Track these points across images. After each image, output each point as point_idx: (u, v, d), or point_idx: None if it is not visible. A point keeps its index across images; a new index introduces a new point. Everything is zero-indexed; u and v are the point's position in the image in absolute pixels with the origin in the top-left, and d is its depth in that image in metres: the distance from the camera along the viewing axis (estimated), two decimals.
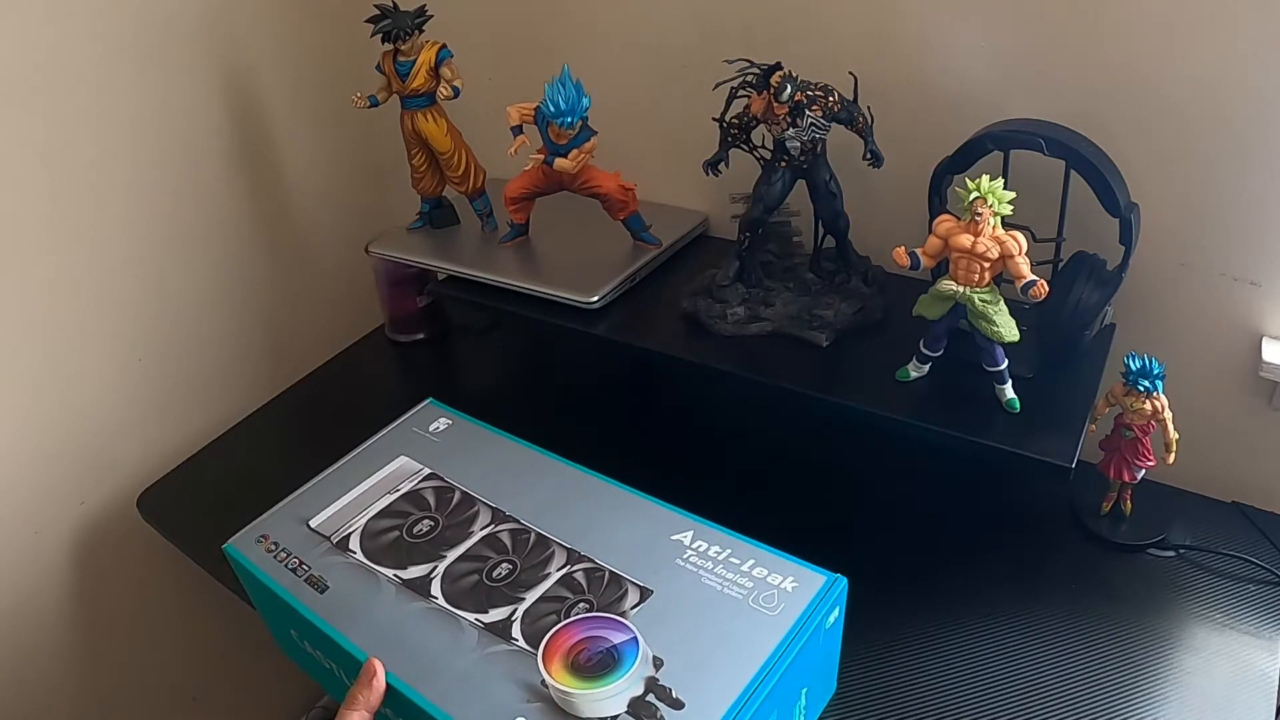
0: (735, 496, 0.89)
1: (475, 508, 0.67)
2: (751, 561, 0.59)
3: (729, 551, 0.60)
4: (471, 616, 0.58)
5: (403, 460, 0.72)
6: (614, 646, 0.54)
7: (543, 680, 0.53)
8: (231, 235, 1.11)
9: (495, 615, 0.58)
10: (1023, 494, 0.87)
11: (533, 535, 0.64)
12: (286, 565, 0.64)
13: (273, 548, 0.65)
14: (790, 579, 0.58)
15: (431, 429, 0.75)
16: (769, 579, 0.58)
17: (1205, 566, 0.80)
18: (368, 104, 0.93)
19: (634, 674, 0.52)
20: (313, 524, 0.67)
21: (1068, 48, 0.78)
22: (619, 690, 0.52)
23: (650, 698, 0.51)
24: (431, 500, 0.68)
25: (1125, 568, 0.80)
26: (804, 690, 0.57)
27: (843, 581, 0.58)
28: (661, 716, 0.50)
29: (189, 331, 1.09)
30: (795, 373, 0.80)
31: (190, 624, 1.19)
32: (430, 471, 0.71)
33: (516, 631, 0.57)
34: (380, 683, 0.54)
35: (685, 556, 0.60)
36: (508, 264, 0.94)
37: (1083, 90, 0.79)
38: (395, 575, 0.62)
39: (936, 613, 0.77)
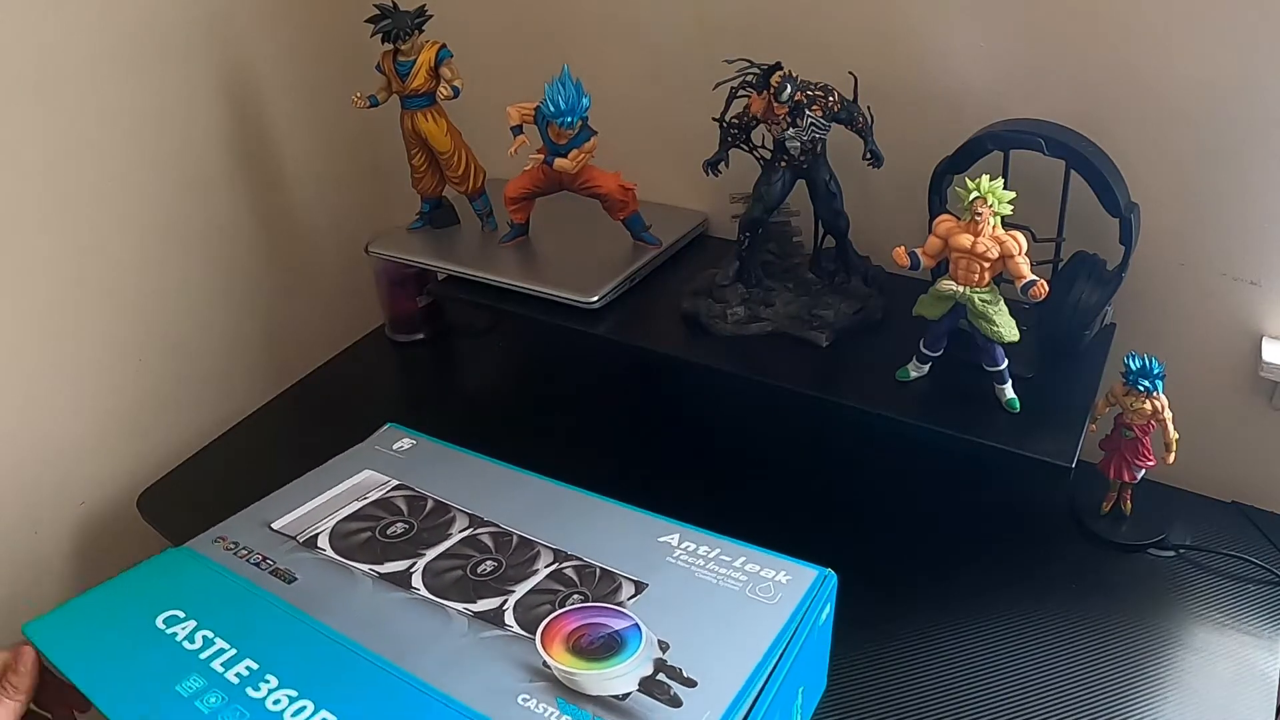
0: (734, 495, 0.89)
1: (451, 514, 0.65)
2: (743, 559, 0.59)
3: (718, 550, 0.60)
4: (459, 606, 0.56)
5: (368, 473, 0.70)
6: (615, 632, 0.53)
7: (544, 662, 0.51)
8: (231, 235, 1.11)
9: (484, 605, 0.56)
10: (1022, 494, 0.87)
11: (515, 538, 0.62)
12: (249, 561, 0.61)
13: (232, 546, 0.63)
14: (783, 573, 0.57)
15: (395, 448, 0.74)
16: (762, 573, 0.57)
17: (1205, 566, 0.80)
18: (368, 104, 0.93)
19: (641, 655, 0.51)
20: (275, 526, 0.65)
21: (1068, 48, 0.78)
22: (628, 670, 0.50)
23: (661, 677, 0.50)
24: (404, 506, 0.66)
25: (1125, 568, 0.80)
26: (801, 689, 0.57)
27: (833, 577, 0.58)
28: (674, 694, 0.49)
29: (189, 331, 1.09)
30: (795, 373, 0.80)
31: None
32: (399, 483, 0.69)
33: (510, 619, 0.55)
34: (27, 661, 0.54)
35: (675, 555, 0.60)
36: (508, 264, 0.94)
37: (1083, 90, 0.79)
38: (371, 569, 0.59)
39: (935, 612, 0.77)
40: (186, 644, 0.54)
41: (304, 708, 0.50)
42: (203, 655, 0.54)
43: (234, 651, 0.54)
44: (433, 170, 0.99)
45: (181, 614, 0.57)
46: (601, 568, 0.59)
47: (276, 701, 0.50)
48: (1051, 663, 0.72)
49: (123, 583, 0.61)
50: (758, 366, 0.81)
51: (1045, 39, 0.79)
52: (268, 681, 0.51)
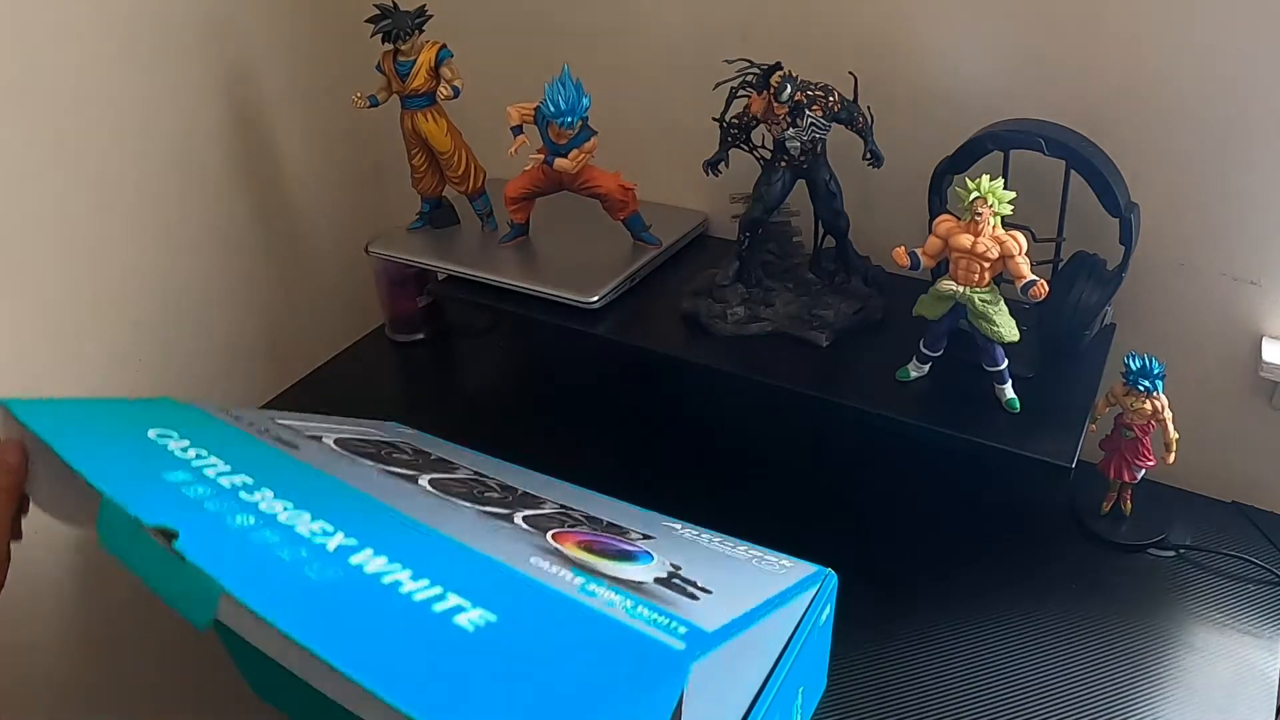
0: (734, 495, 0.89)
1: (456, 465, 0.64)
2: (745, 547, 0.59)
3: (721, 539, 0.60)
4: (467, 504, 0.54)
5: (371, 430, 0.70)
6: (626, 549, 0.52)
7: (555, 549, 0.48)
8: (231, 235, 1.11)
9: (492, 510, 0.54)
10: (1022, 494, 0.87)
11: (521, 490, 0.61)
12: (252, 429, 0.56)
13: (235, 419, 0.58)
14: (785, 562, 0.58)
15: (396, 433, 0.74)
16: (766, 558, 0.58)
17: (1205, 566, 0.80)
18: (368, 104, 0.93)
19: (655, 565, 0.50)
20: (281, 421, 0.61)
21: (1068, 48, 0.78)
22: (642, 574, 0.48)
23: (676, 580, 0.48)
24: (408, 450, 0.65)
25: (1125, 568, 0.80)
26: (801, 689, 0.57)
27: (833, 577, 0.58)
28: (692, 593, 0.46)
29: (189, 332, 1.09)
30: (795, 373, 0.80)
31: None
32: (400, 441, 0.68)
33: (519, 520, 0.52)
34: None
35: (681, 534, 0.60)
36: (508, 264, 0.94)
37: (1083, 90, 0.79)
38: (376, 465, 0.57)
39: (936, 612, 0.77)
40: (178, 452, 0.48)
41: (299, 516, 0.44)
42: (195, 463, 0.47)
43: (228, 467, 0.47)
44: (433, 170, 0.99)
45: (175, 434, 0.50)
46: (609, 520, 0.59)
47: (270, 507, 0.44)
48: (1051, 663, 0.72)
49: (112, 402, 0.56)
50: (758, 366, 0.81)
51: (1045, 39, 0.79)
52: (262, 492, 0.45)
